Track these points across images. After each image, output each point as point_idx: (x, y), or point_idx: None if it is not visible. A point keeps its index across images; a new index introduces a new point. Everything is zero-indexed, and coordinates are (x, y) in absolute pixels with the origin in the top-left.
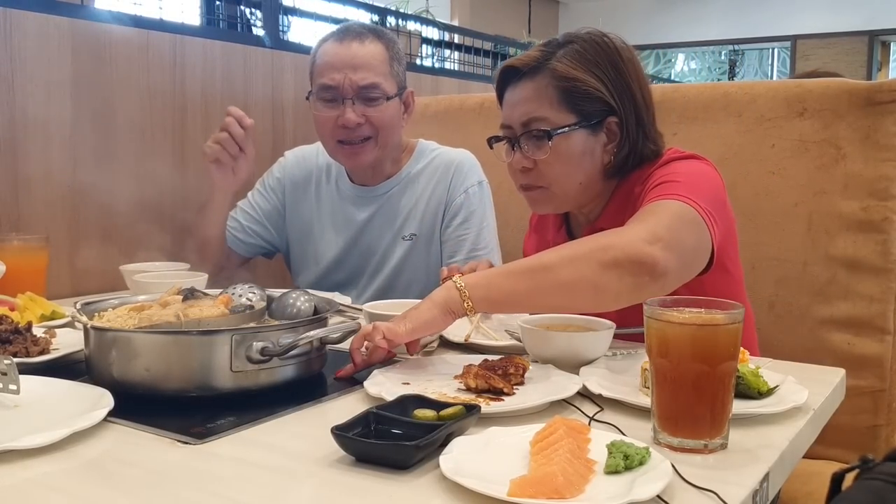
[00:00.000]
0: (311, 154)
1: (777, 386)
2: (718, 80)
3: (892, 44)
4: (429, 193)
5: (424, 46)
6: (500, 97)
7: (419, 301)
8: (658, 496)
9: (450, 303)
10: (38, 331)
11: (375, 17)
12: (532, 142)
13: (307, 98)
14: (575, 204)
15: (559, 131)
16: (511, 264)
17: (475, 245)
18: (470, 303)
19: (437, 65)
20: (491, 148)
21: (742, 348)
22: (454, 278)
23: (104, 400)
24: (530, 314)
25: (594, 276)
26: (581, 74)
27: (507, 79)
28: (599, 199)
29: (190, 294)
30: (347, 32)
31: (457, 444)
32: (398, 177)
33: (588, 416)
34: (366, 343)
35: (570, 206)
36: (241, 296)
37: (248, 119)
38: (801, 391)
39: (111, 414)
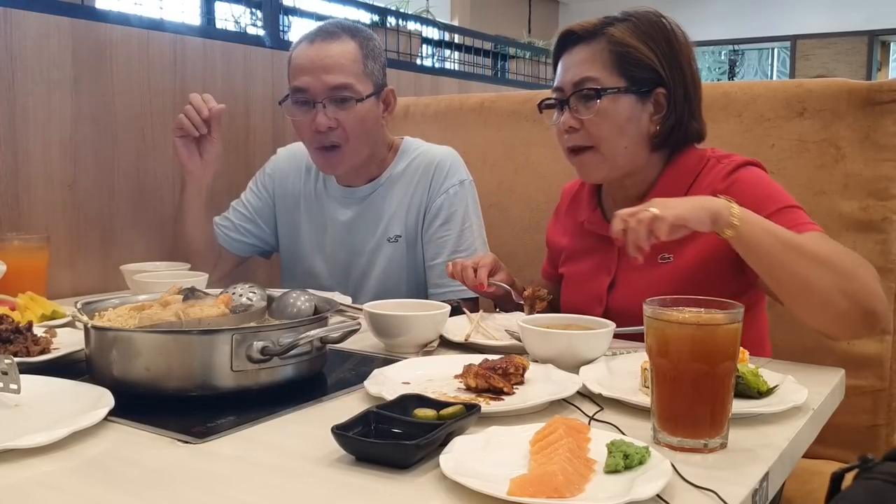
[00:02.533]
0: (302, 151)
1: (777, 386)
2: (718, 80)
3: (892, 44)
4: (410, 194)
5: (424, 46)
6: (556, 62)
7: (421, 300)
8: (658, 495)
9: (719, 215)
10: (38, 330)
11: (376, 17)
12: (581, 101)
13: (280, 103)
14: (623, 171)
15: (608, 92)
16: (774, 225)
17: (457, 246)
18: (736, 223)
19: (437, 65)
20: (541, 112)
21: (742, 348)
22: (729, 200)
23: (104, 399)
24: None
25: (829, 295)
26: (636, 42)
27: (564, 44)
28: (645, 174)
29: (190, 294)
30: (319, 33)
31: (457, 444)
32: (381, 178)
33: (588, 416)
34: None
35: (619, 171)
36: (241, 295)
37: (212, 103)
38: (801, 391)
39: (111, 413)
